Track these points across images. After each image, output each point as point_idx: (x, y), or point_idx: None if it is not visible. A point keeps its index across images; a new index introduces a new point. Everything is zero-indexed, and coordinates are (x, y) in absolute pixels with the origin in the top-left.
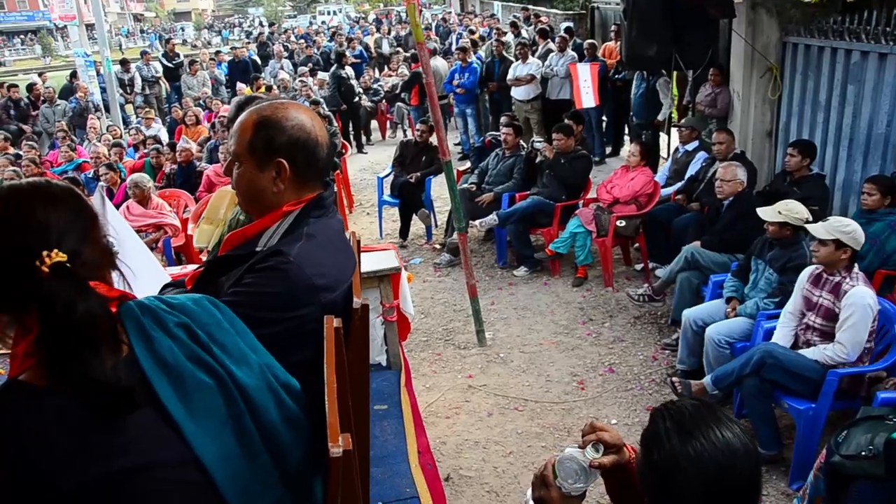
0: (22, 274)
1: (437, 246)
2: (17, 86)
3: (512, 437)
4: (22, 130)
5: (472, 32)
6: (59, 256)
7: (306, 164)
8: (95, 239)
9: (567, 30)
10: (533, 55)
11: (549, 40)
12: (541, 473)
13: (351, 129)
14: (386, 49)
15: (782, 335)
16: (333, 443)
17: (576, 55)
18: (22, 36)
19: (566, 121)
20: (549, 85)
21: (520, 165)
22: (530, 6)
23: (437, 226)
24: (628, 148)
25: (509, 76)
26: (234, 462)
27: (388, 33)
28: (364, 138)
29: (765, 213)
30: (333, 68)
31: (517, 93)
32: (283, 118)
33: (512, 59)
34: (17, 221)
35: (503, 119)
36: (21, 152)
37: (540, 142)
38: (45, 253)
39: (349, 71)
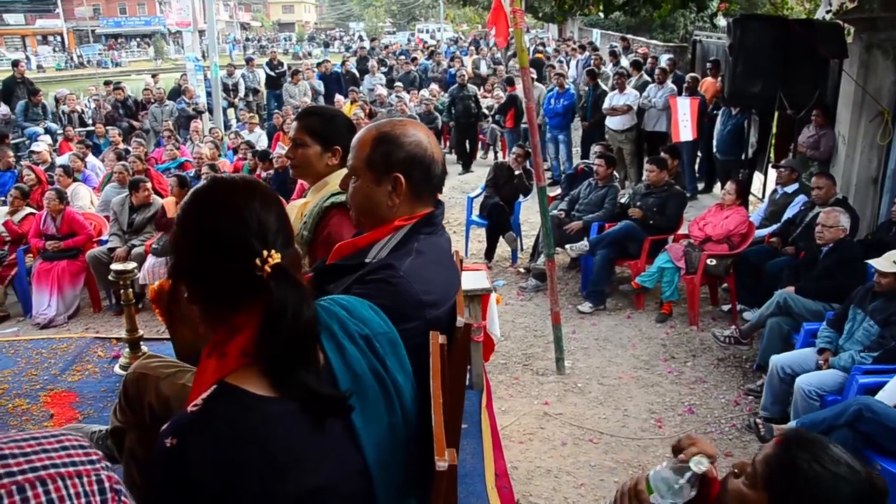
0: (243, 271)
1: (522, 270)
2: (121, 87)
3: (585, 468)
4: (132, 127)
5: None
6: (276, 258)
7: (421, 181)
8: (293, 243)
9: (668, 62)
10: (629, 85)
11: (642, 72)
12: (632, 488)
13: (461, 146)
14: (484, 70)
15: (888, 394)
16: (440, 457)
17: (675, 88)
18: (138, 39)
19: (662, 154)
20: (645, 116)
21: (611, 196)
22: (629, 35)
23: (522, 249)
24: (725, 186)
25: (605, 105)
26: (389, 470)
27: (487, 55)
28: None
29: (878, 263)
30: (454, 87)
31: (612, 122)
32: (402, 134)
33: (605, 88)
34: (242, 218)
35: (597, 149)
36: (130, 148)
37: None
38: (265, 253)
39: (471, 89)
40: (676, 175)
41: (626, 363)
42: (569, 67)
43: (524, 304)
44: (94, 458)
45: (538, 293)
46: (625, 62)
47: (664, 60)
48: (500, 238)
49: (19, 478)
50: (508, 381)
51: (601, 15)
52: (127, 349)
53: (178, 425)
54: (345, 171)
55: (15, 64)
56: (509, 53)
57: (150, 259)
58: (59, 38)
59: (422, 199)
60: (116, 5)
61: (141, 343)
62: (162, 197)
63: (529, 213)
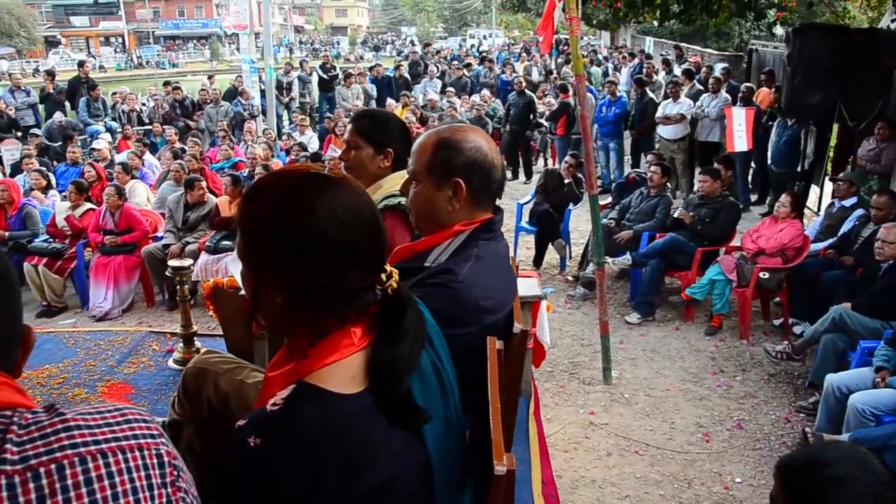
0: (369, 284)
1: (570, 278)
2: (179, 87)
3: (630, 480)
4: (188, 127)
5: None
6: (395, 274)
7: (481, 186)
8: None
9: (722, 71)
10: (683, 94)
11: (695, 81)
12: None
13: (512, 152)
14: (535, 77)
15: None
16: (499, 460)
17: (729, 97)
18: (195, 41)
19: (715, 164)
20: (698, 126)
21: (664, 206)
22: (683, 44)
23: (570, 258)
24: (780, 198)
25: (658, 114)
26: (447, 463)
27: (539, 61)
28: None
29: None
30: (512, 93)
31: (665, 131)
32: (462, 140)
33: (653, 96)
34: (379, 232)
35: (650, 157)
36: (186, 147)
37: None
38: (389, 268)
39: (528, 96)
40: (729, 186)
41: (674, 375)
42: (620, 75)
43: (572, 312)
44: (154, 432)
45: (586, 302)
46: (678, 71)
47: (718, 69)
48: (549, 245)
49: (82, 449)
50: (554, 389)
51: (655, 23)
52: (181, 344)
53: (260, 424)
54: (398, 174)
55: (81, 64)
56: (560, 60)
57: (204, 256)
58: (120, 40)
59: (481, 205)
60: (175, 8)
61: (194, 339)
62: (216, 196)
63: (579, 221)
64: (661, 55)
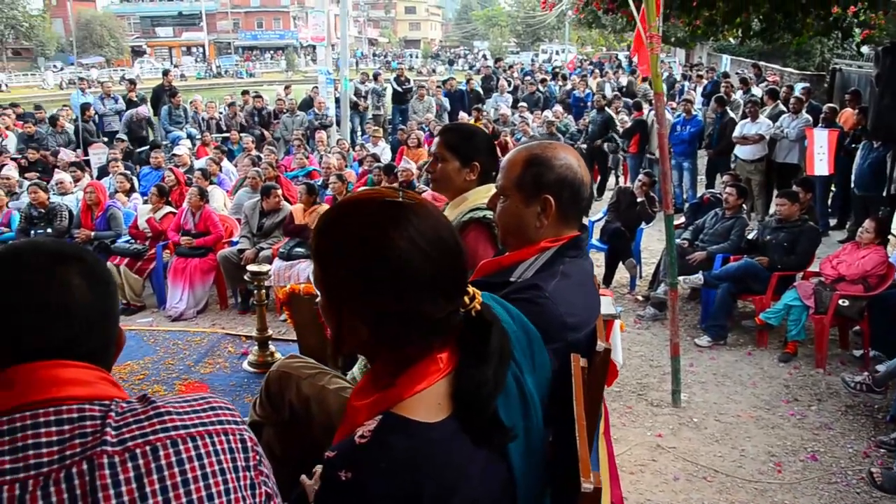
0: (452, 309)
1: (640, 298)
2: (261, 96)
3: None
4: (263, 136)
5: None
6: (478, 296)
7: (570, 203)
8: None
9: (803, 90)
10: (762, 114)
11: (778, 101)
12: None
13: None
14: (608, 93)
15: None
16: (586, 478)
17: (810, 118)
18: (272, 52)
19: (794, 186)
20: (777, 147)
21: (739, 228)
22: (762, 62)
23: (641, 277)
24: (863, 223)
25: (736, 133)
26: (528, 478)
27: (612, 78)
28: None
29: None
30: (593, 110)
31: (742, 152)
32: (553, 157)
33: (734, 116)
34: (460, 256)
35: (726, 178)
36: (262, 155)
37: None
38: (471, 290)
39: (608, 113)
40: (808, 209)
41: (746, 401)
42: (695, 93)
43: (641, 332)
44: (237, 418)
45: (655, 322)
46: (756, 90)
47: (799, 89)
48: (620, 264)
49: (172, 433)
50: (622, 410)
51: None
52: (256, 347)
53: (350, 457)
54: (483, 187)
55: (165, 73)
56: (637, 77)
57: (277, 262)
58: (200, 50)
59: (569, 222)
60: (255, 20)
61: (269, 343)
62: (290, 203)
63: (650, 241)
64: (738, 73)
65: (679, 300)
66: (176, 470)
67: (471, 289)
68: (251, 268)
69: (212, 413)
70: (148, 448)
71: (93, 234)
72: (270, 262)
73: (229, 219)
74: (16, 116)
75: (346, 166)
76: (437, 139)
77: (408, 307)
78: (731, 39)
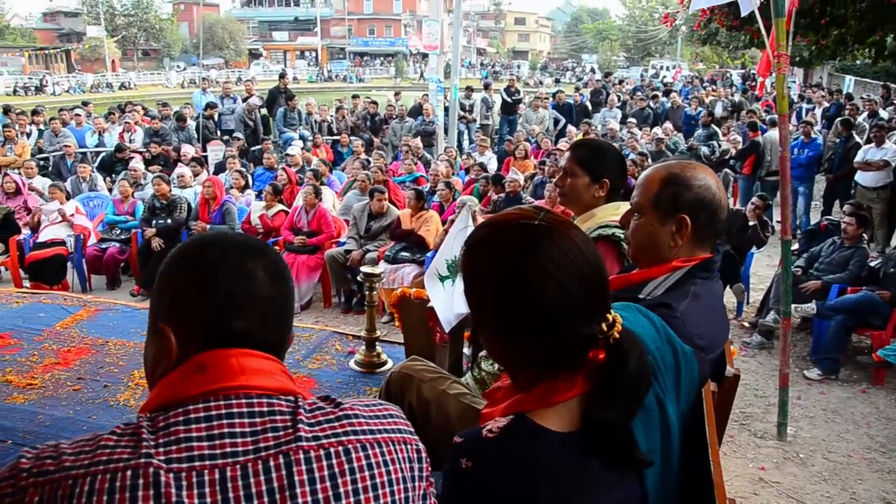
0: (588, 334)
1: (746, 324)
2: (376, 102)
3: None
4: (372, 140)
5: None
6: (619, 322)
7: (706, 224)
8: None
9: None
10: (889, 139)
11: None
12: None
13: None
14: (719, 111)
15: None
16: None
17: None
18: (381, 58)
19: None
20: None
21: (858, 258)
22: (892, 84)
23: (748, 303)
24: None
25: (858, 158)
26: (661, 501)
27: (724, 96)
28: None
29: None
30: (700, 129)
31: (864, 178)
32: (692, 177)
33: (859, 140)
34: (599, 281)
35: (847, 207)
36: (371, 159)
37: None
38: (611, 316)
39: (713, 130)
40: None
41: (858, 441)
42: (817, 115)
43: (746, 360)
44: (411, 429)
45: (762, 351)
46: (884, 113)
47: None
48: (727, 288)
49: (361, 437)
50: (723, 439)
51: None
52: (363, 347)
53: (474, 447)
54: (612, 204)
55: (282, 76)
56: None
57: (383, 265)
58: (313, 54)
59: (703, 244)
60: (367, 27)
61: (376, 343)
62: (398, 208)
63: (759, 266)
64: (864, 97)
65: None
66: (367, 473)
67: (611, 314)
68: (365, 269)
69: (391, 421)
70: (341, 448)
71: (208, 226)
72: (376, 264)
73: (338, 219)
74: (143, 112)
75: (453, 174)
76: (567, 154)
77: (535, 332)
78: (858, 59)
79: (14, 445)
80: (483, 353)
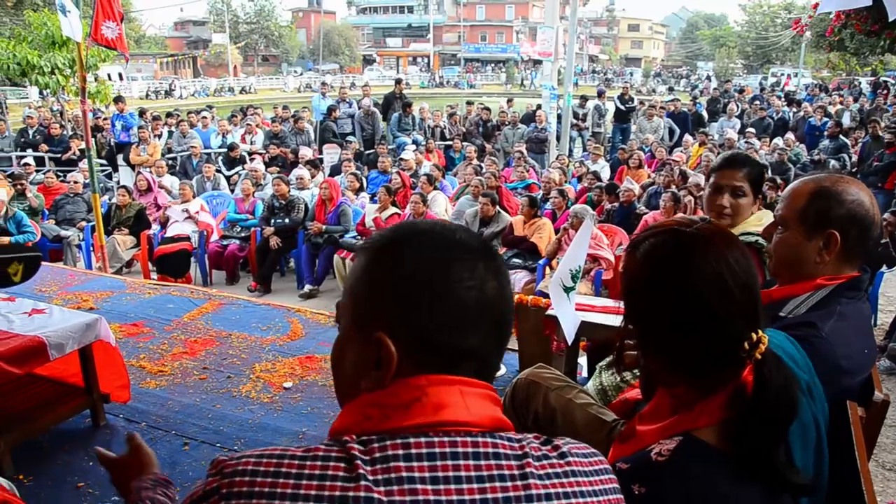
0: (731, 348)
1: None
2: (489, 109)
3: None
4: (484, 146)
5: None
6: (765, 339)
7: (857, 242)
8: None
9: None
10: None
11: None
12: None
13: None
14: (846, 122)
15: None
16: None
17: None
18: (493, 64)
19: None
20: None
21: None
22: None
23: (877, 325)
24: None
25: None
26: None
27: (852, 105)
28: None
29: None
30: (824, 140)
31: None
32: (844, 192)
33: None
34: (747, 295)
35: None
36: (483, 165)
37: None
38: (756, 335)
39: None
40: None
41: None
42: None
43: None
44: (618, 487)
45: (891, 377)
46: None
47: None
48: None
49: (589, 499)
50: None
51: None
52: None
53: (646, 473)
54: (754, 215)
55: (398, 82)
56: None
57: None
58: (425, 60)
59: (851, 261)
60: (479, 33)
61: None
62: (509, 214)
63: (889, 286)
64: None
65: None
66: None
67: (757, 333)
68: None
69: (607, 478)
70: None
71: (324, 227)
72: None
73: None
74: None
75: (566, 182)
76: (741, 172)
77: (680, 343)
78: None
79: (148, 428)
80: (603, 363)
